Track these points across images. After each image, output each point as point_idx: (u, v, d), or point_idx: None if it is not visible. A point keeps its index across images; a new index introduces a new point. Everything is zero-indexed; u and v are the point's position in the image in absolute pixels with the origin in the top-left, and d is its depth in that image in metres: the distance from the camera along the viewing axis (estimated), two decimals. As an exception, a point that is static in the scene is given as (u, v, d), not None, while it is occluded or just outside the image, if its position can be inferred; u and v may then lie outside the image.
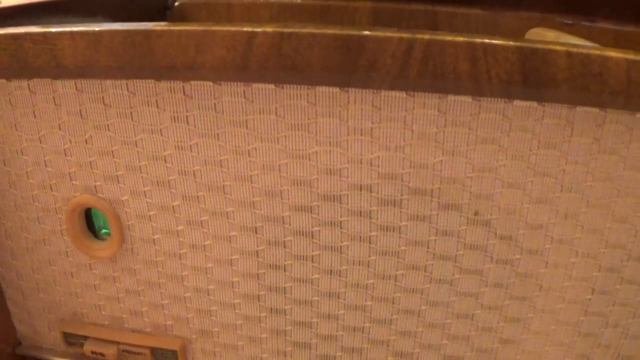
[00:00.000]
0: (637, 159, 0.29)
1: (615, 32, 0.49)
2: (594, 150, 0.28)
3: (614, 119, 0.28)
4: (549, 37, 0.43)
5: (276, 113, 0.29)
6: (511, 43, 0.26)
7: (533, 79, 0.26)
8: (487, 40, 0.26)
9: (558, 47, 0.26)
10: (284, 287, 0.32)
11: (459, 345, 0.33)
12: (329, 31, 0.26)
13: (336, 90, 0.28)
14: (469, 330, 0.32)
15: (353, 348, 0.33)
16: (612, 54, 0.26)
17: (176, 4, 0.55)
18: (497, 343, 0.33)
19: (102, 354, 0.34)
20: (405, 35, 0.26)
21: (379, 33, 0.26)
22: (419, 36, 0.26)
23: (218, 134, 0.30)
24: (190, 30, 0.26)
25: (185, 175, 0.31)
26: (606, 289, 0.31)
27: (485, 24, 0.51)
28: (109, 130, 0.30)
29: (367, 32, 0.26)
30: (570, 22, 0.48)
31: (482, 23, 0.51)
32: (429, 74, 0.26)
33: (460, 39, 0.26)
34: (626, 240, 0.30)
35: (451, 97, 0.28)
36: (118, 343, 0.35)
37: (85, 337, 0.35)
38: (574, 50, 0.26)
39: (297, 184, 0.30)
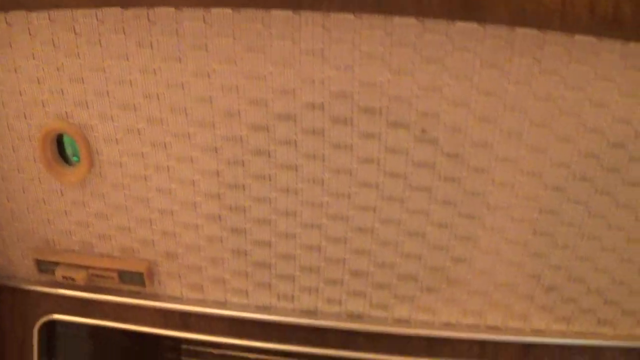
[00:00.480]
0: (577, 79, 0.31)
1: None
2: (535, 71, 0.31)
3: (553, 40, 0.30)
4: None
5: (233, 36, 0.31)
6: None
7: (472, 0, 0.29)
8: None
9: None
10: (244, 207, 0.34)
11: (412, 264, 0.35)
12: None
13: (289, 13, 0.30)
14: (421, 249, 0.35)
15: (310, 267, 0.35)
16: None
17: None
18: (448, 262, 0.35)
19: (72, 279, 0.37)
20: None
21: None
22: None
23: (180, 58, 0.32)
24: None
25: (150, 98, 0.33)
26: (553, 209, 0.34)
27: None
28: (79, 57, 0.32)
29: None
30: None
31: None
32: None
33: None
34: (570, 160, 0.32)
35: (397, 19, 0.30)
36: (88, 267, 0.37)
37: (57, 263, 0.37)
38: None
39: (254, 104, 0.32)
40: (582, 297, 0.36)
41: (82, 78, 0.33)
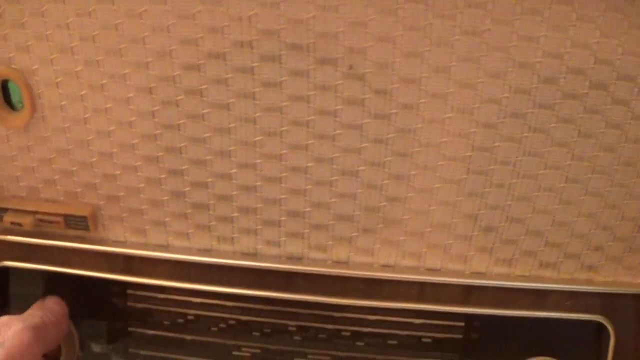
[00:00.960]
0: (504, 13, 0.31)
1: None
2: (460, 4, 0.31)
3: None
4: None
5: None
6: None
7: None
8: None
9: None
10: (180, 147, 0.35)
11: (347, 204, 0.36)
12: None
13: None
14: (354, 188, 0.35)
15: (247, 208, 0.37)
16: None
17: None
18: (383, 201, 0.36)
19: (19, 224, 0.38)
20: None
21: None
22: None
23: (113, 0, 0.33)
24: None
25: (86, 40, 0.34)
26: (485, 146, 0.34)
27: None
28: (19, 3, 0.34)
29: None
30: None
31: None
32: None
33: None
34: (500, 96, 0.33)
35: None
36: (34, 213, 0.38)
37: (5, 210, 0.39)
38: None
39: (184, 43, 0.33)
40: (521, 239, 0.37)
41: (23, 23, 0.34)
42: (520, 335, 0.39)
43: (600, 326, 0.39)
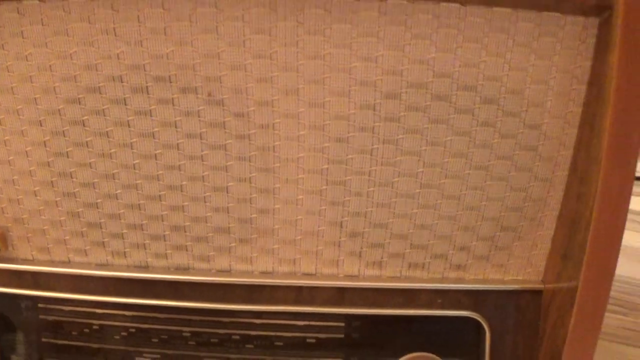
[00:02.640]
0: (341, 38, 0.38)
1: None
2: (300, 32, 0.38)
3: (314, 3, 0.37)
4: None
5: (42, 22, 0.38)
6: None
7: None
8: None
9: None
10: (70, 172, 0.42)
11: (222, 217, 0.42)
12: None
13: None
14: (227, 203, 0.42)
15: (134, 224, 0.43)
16: None
17: None
18: (254, 213, 0.42)
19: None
20: None
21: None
22: None
23: (2, 45, 0.39)
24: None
25: None
26: (340, 159, 0.40)
27: None
28: None
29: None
30: None
31: None
32: None
33: None
34: (347, 113, 0.39)
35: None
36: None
37: None
38: None
39: (65, 80, 0.40)
40: (387, 242, 0.43)
41: None
42: (400, 333, 0.44)
43: (478, 322, 0.44)
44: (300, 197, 0.41)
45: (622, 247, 0.79)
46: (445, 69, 0.38)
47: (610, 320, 0.65)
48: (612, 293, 0.68)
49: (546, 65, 0.39)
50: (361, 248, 0.43)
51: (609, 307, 0.66)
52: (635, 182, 0.98)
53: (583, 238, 0.41)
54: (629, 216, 0.92)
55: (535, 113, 0.40)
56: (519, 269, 0.44)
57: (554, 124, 0.40)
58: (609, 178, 0.39)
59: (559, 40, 0.38)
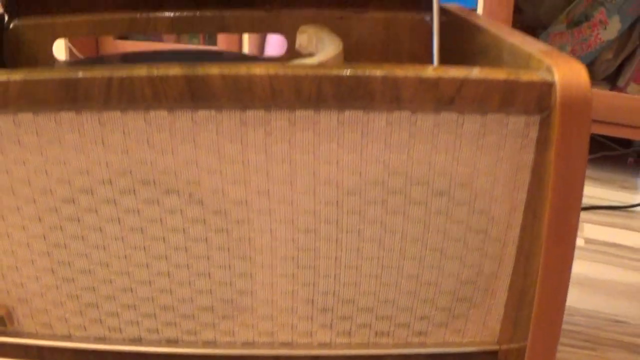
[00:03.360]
0: (304, 145, 0.44)
1: (384, 19, 0.64)
2: (269, 141, 0.44)
3: (279, 116, 0.43)
4: (309, 32, 0.59)
5: (37, 133, 0.45)
6: (179, 73, 0.42)
7: (199, 98, 0.42)
8: (161, 73, 0.41)
9: (214, 72, 0.42)
10: (68, 261, 0.48)
11: (206, 298, 0.48)
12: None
13: (71, 114, 0.44)
14: (210, 285, 0.48)
15: (128, 304, 0.49)
16: (257, 71, 0.42)
17: (11, 26, 0.71)
18: (235, 294, 0.48)
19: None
20: (106, 74, 0.41)
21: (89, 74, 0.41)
22: (116, 74, 0.42)
23: (2, 150, 0.46)
24: None
25: None
26: (309, 247, 0.47)
27: (268, 24, 0.67)
28: None
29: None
30: (342, 14, 0.64)
31: (265, 23, 0.67)
32: (124, 100, 0.42)
33: (143, 73, 0.41)
34: (313, 208, 0.46)
35: (152, 112, 0.43)
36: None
37: None
38: (228, 72, 0.42)
39: (60, 183, 0.46)
40: (355, 315, 0.49)
41: None
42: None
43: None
44: (275, 279, 0.48)
45: (585, 280, 0.86)
46: (399, 168, 0.45)
47: (579, 356, 0.72)
48: (579, 328, 0.75)
49: (492, 159, 0.45)
50: (332, 320, 0.49)
51: (576, 342, 0.73)
52: (597, 211, 1.05)
53: (529, 310, 0.47)
54: (593, 247, 0.98)
55: (484, 201, 0.46)
56: (476, 332, 0.51)
57: (501, 209, 0.47)
58: (549, 258, 0.46)
59: (503, 136, 0.44)
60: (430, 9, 0.60)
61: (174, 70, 0.42)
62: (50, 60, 0.69)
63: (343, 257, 0.47)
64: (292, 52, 0.68)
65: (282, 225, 0.46)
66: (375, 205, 0.46)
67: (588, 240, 1.01)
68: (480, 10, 1.18)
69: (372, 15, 0.67)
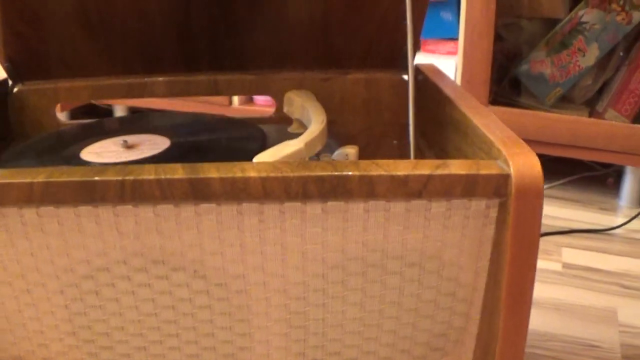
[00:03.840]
0: (295, 230, 0.52)
1: (365, 80, 0.72)
2: (263, 227, 0.52)
3: (266, 209, 0.51)
4: (296, 102, 0.66)
5: (59, 222, 0.53)
6: (183, 176, 0.50)
7: (201, 196, 0.50)
8: (169, 176, 0.49)
9: (214, 175, 0.50)
10: (88, 325, 0.57)
11: (210, 354, 0.57)
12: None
13: (89, 208, 0.52)
14: (214, 343, 0.57)
15: None
16: (251, 173, 0.50)
17: (15, 90, 0.78)
18: (236, 350, 0.57)
19: (-17, 377, 0.60)
20: (119, 177, 0.49)
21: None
22: (128, 178, 0.50)
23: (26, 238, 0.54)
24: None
25: (12, 262, 0.55)
26: (299, 311, 0.56)
27: (257, 87, 0.74)
28: None
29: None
30: (326, 76, 0.72)
31: (255, 86, 0.75)
32: (136, 198, 0.50)
33: (152, 176, 0.49)
34: (302, 279, 0.54)
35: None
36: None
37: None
38: (225, 175, 0.50)
39: (80, 262, 0.54)
40: None
41: None
42: None
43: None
44: (271, 337, 0.57)
45: (562, 305, 0.96)
46: (377, 246, 0.53)
47: (556, 381, 0.82)
48: (553, 353, 0.85)
49: (458, 235, 0.54)
50: (321, 370, 0.59)
51: (554, 369, 0.83)
52: (575, 234, 1.15)
53: (493, 357, 0.57)
54: (571, 272, 1.08)
55: (452, 269, 0.55)
56: (448, 375, 0.60)
57: (467, 275, 0.56)
58: (508, 315, 0.55)
59: (467, 217, 0.53)
60: (407, 68, 0.68)
61: (179, 173, 0.50)
62: (54, 124, 0.77)
63: (329, 318, 0.56)
64: (280, 112, 0.76)
65: (276, 294, 0.55)
66: (356, 276, 0.54)
67: (566, 265, 1.10)
68: (461, 39, 1.25)
69: (354, 77, 0.75)
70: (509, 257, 0.52)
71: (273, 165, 0.51)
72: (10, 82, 0.77)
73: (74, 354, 0.58)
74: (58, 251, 0.54)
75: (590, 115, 1.34)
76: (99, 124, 0.75)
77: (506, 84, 1.40)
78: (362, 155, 0.71)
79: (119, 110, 1.77)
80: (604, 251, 1.14)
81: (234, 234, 0.52)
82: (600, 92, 1.35)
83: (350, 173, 0.50)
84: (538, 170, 0.51)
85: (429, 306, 0.56)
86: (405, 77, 0.78)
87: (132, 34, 0.74)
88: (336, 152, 0.67)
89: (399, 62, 0.78)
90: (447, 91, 0.71)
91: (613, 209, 1.32)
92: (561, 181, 1.41)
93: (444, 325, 0.57)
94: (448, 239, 0.54)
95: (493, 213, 0.53)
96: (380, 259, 0.54)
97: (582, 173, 1.39)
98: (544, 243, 1.14)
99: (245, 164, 0.51)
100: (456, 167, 0.51)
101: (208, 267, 0.54)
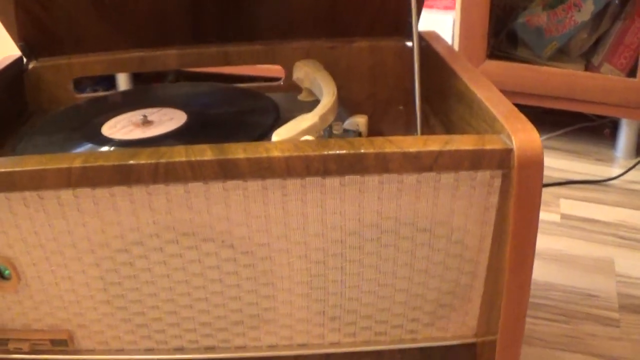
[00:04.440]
0: (315, 201, 0.59)
1: (370, 47, 0.78)
2: (286, 200, 0.59)
3: (289, 183, 0.58)
4: (305, 71, 0.72)
5: (95, 204, 0.59)
6: (212, 157, 0.56)
7: (229, 175, 0.56)
8: (199, 158, 0.56)
9: (240, 155, 0.56)
10: (122, 294, 0.64)
11: (237, 315, 0.65)
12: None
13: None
14: (240, 305, 0.64)
15: (172, 324, 0.66)
16: (275, 153, 0.56)
17: (30, 67, 0.83)
18: (260, 310, 0.65)
19: (20, 348, 0.67)
20: (152, 160, 0.56)
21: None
22: (162, 161, 0.56)
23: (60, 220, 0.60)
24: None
25: (51, 240, 0.62)
26: (319, 273, 0.63)
27: (266, 57, 0.80)
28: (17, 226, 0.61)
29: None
30: (332, 45, 0.77)
31: (264, 56, 0.80)
32: (169, 179, 0.56)
33: (183, 158, 0.56)
34: (322, 245, 0.61)
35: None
36: (29, 340, 0.67)
37: (8, 339, 0.68)
38: (252, 156, 0.56)
39: (115, 237, 0.61)
40: (358, 321, 0.66)
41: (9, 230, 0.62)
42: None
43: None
44: (293, 298, 0.64)
45: (561, 256, 1.04)
46: (390, 214, 0.60)
47: (552, 328, 0.89)
48: (553, 302, 0.93)
49: (465, 203, 0.61)
50: (339, 326, 0.66)
51: (551, 316, 0.91)
52: (572, 185, 1.22)
53: (498, 312, 0.65)
54: (569, 222, 1.16)
55: (459, 233, 0.62)
56: (457, 329, 0.68)
57: (473, 238, 0.63)
58: (512, 273, 0.62)
59: (473, 186, 0.60)
60: (410, 36, 0.73)
61: (208, 154, 0.56)
62: (70, 98, 0.82)
63: (347, 280, 0.63)
64: (288, 80, 0.82)
65: (298, 259, 0.62)
66: (372, 241, 0.61)
67: (564, 216, 1.17)
68: None
69: (359, 45, 0.81)
70: (512, 223, 0.59)
71: (294, 144, 0.57)
72: (25, 60, 0.81)
73: (108, 320, 0.66)
74: (94, 228, 0.60)
75: (586, 68, 1.40)
76: (114, 97, 0.80)
77: (503, 37, 1.45)
78: (371, 121, 0.77)
79: (121, 79, 1.84)
80: (601, 202, 1.21)
81: (259, 207, 0.59)
82: (596, 45, 1.41)
83: (366, 151, 0.56)
84: (538, 145, 0.58)
85: (438, 267, 0.64)
86: (409, 43, 0.84)
87: (143, 8, 0.79)
88: (347, 121, 0.73)
89: (403, 29, 0.83)
90: (449, 60, 0.77)
91: (609, 160, 1.39)
92: (557, 132, 1.48)
93: (452, 283, 0.65)
94: (456, 207, 0.61)
95: (497, 183, 0.60)
96: (394, 225, 0.61)
97: (579, 124, 1.45)
98: (543, 194, 1.22)
99: (269, 144, 0.57)
100: (463, 142, 0.58)
101: (235, 237, 0.60)
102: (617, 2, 1.35)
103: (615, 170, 1.34)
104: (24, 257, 0.62)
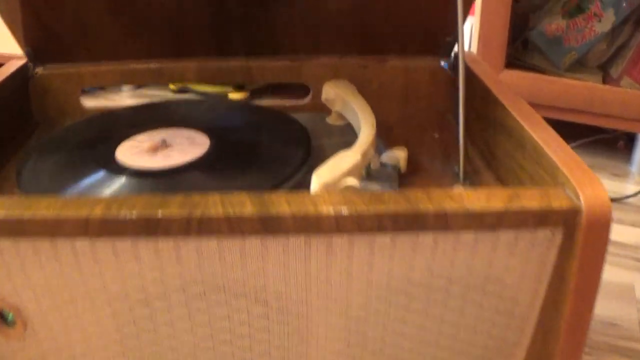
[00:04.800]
0: (361, 260, 0.54)
1: (404, 67, 0.73)
2: (330, 260, 0.54)
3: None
4: (335, 92, 0.67)
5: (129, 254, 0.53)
6: (253, 212, 0.50)
7: (271, 232, 0.51)
8: (237, 212, 0.50)
9: (285, 210, 0.51)
10: (140, 347, 0.58)
11: None
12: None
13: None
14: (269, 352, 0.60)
15: None
16: (324, 210, 0.51)
17: (36, 74, 0.77)
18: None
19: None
20: (184, 213, 0.50)
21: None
22: (194, 214, 0.50)
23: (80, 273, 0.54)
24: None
25: (62, 288, 0.56)
26: (358, 330, 0.58)
27: (291, 73, 0.74)
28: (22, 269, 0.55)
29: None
30: (364, 63, 0.72)
31: (288, 72, 0.75)
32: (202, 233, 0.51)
33: (219, 211, 0.50)
34: (363, 302, 0.56)
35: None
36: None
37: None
38: (297, 211, 0.51)
39: (135, 290, 0.55)
40: None
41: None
42: None
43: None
44: (328, 356, 0.60)
45: None
46: (442, 272, 0.56)
47: (577, 361, 0.86)
48: None
49: (522, 260, 0.56)
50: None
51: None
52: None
53: None
54: None
55: (512, 290, 0.58)
56: (498, 386, 0.64)
57: (526, 296, 0.59)
58: (568, 336, 0.58)
59: (533, 244, 0.56)
60: (446, 54, 0.68)
61: (247, 207, 0.51)
62: (78, 109, 0.75)
63: (388, 338, 0.59)
64: (315, 99, 0.76)
65: (337, 316, 0.57)
66: (419, 299, 0.57)
67: None
68: (479, 1, 1.24)
69: (393, 64, 0.75)
70: (574, 284, 0.55)
71: (343, 196, 0.52)
72: (30, 67, 0.75)
73: (124, 375, 0.60)
74: (112, 279, 0.54)
75: (604, 79, 1.37)
76: (127, 112, 0.74)
77: (519, 45, 1.40)
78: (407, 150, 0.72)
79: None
80: (619, 222, 1.18)
81: (299, 263, 0.54)
82: (614, 56, 1.37)
83: (425, 208, 0.51)
84: (608, 205, 0.53)
85: (486, 324, 0.59)
86: (444, 63, 0.79)
87: (161, 15, 0.72)
88: (385, 154, 0.68)
89: (437, 48, 0.78)
90: (494, 89, 0.72)
91: (625, 175, 1.36)
92: (572, 145, 1.45)
93: (499, 340, 0.61)
94: (512, 264, 0.56)
95: (557, 239, 0.55)
96: (445, 283, 0.56)
97: (593, 136, 1.42)
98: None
99: (315, 197, 0.52)
100: (528, 198, 0.53)
101: (270, 293, 0.55)
102: (638, 14, 1.31)
103: (631, 187, 1.31)
104: (31, 305, 0.57)
